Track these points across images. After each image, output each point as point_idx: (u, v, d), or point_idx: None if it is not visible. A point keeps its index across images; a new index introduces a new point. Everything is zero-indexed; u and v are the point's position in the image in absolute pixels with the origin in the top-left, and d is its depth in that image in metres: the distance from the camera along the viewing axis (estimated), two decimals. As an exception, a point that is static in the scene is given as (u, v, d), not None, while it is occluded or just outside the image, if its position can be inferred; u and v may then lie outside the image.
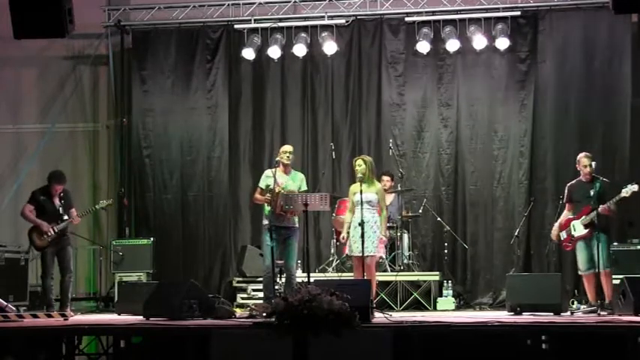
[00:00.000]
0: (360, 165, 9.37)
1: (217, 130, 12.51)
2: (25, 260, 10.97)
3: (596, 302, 9.07)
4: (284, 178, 9.44)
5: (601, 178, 9.30)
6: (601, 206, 9.09)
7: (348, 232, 9.41)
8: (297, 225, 9.50)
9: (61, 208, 9.91)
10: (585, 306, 9.58)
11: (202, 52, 12.55)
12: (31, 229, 9.88)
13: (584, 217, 9.23)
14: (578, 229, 9.27)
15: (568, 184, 9.61)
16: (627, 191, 9.05)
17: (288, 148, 9.72)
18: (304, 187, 9.63)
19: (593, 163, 9.34)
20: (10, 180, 12.89)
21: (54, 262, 9.88)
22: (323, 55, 12.20)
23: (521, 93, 11.90)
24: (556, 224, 9.60)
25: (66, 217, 9.91)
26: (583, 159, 9.37)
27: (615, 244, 10.28)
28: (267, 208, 9.40)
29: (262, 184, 9.57)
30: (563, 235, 9.45)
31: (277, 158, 9.58)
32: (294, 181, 9.53)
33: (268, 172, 9.65)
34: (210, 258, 12.33)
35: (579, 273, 9.43)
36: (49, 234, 9.74)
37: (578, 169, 9.43)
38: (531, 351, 7.16)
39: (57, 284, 9.97)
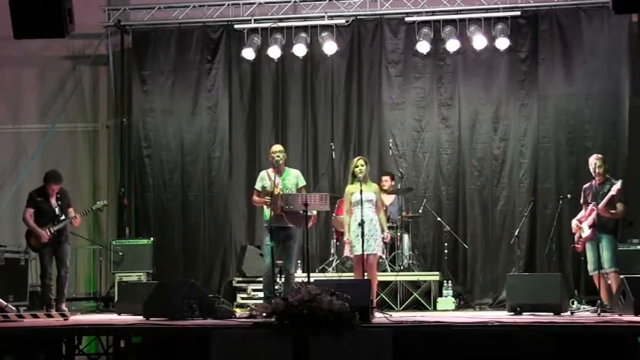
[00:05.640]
0: (363, 165, 9.38)
1: (217, 130, 12.51)
2: (25, 260, 10.97)
3: (598, 303, 9.07)
4: (278, 179, 9.37)
5: (613, 180, 9.32)
6: (598, 206, 9.12)
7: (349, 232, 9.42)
8: (297, 227, 9.46)
9: (57, 209, 9.92)
10: (588, 306, 9.64)
11: (202, 52, 12.55)
12: (28, 231, 9.89)
13: (589, 218, 9.28)
14: (585, 230, 9.34)
15: (583, 186, 9.64)
16: (614, 189, 9.10)
17: (277, 147, 9.62)
18: (302, 183, 9.59)
19: (592, 163, 9.38)
20: (10, 180, 12.89)
21: (52, 261, 9.90)
22: (323, 55, 12.20)
23: (521, 93, 11.91)
24: (574, 220, 9.63)
25: (63, 218, 9.92)
26: (590, 160, 9.45)
27: (617, 244, 10.25)
28: (267, 210, 9.39)
29: (258, 185, 9.56)
30: (576, 236, 9.56)
31: (272, 159, 9.53)
32: (288, 180, 9.48)
33: (263, 173, 9.64)
34: (210, 258, 12.32)
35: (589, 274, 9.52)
36: (46, 240, 9.76)
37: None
38: (531, 351, 7.16)
39: (54, 280, 9.99)
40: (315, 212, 9.42)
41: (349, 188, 9.52)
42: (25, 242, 10.06)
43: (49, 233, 9.77)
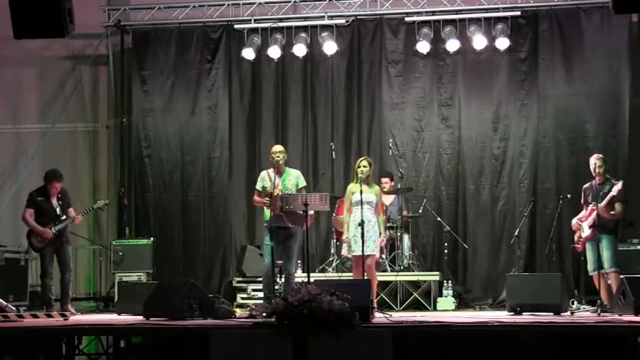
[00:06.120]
0: (366, 166, 9.40)
1: (217, 130, 12.51)
2: (25, 260, 10.96)
3: (598, 303, 9.06)
4: (277, 179, 9.38)
5: (613, 180, 9.32)
6: (598, 207, 9.12)
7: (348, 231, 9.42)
8: (297, 226, 9.46)
9: (58, 209, 9.92)
10: (588, 306, 9.65)
11: (202, 52, 12.55)
12: (29, 231, 9.88)
13: (589, 218, 9.28)
14: (585, 230, 9.34)
15: (583, 187, 9.65)
16: (615, 190, 9.10)
17: (276, 148, 9.66)
18: (302, 183, 9.60)
19: (593, 163, 9.38)
20: (10, 180, 12.89)
21: (53, 261, 9.90)
22: (323, 55, 12.20)
23: (521, 93, 11.91)
24: (575, 219, 9.64)
25: (64, 217, 9.91)
26: (590, 160, 9.47)
27: (617, 244, 10.25)
28: (267, 210, 9.40)
29: (258, 185, 9.59)
30: (576, 236, 9.57)
31: (272, 159, 9.55)
32: (287, 180, 9.48)
33: (263, 173, 9.66)
34: (210, 258, 12.32)
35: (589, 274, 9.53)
36: (49, 237, 9.75)
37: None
38: (531, 351, 7.16)
39: (57, 283, 10.00)
40: (312, 211, 9.41)
41: (351, 187, 9.54)
42: (27, 242, 10.04)
43: (51, 235, 9.77)
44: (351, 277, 9.72)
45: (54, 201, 9.93)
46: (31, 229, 9.86)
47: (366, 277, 9.04)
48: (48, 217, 9.87)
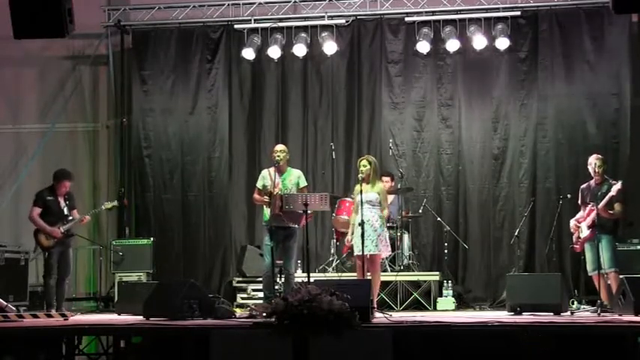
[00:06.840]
0: (365, 166, 9.40)
1: (217, 130, 12.52)
2: (25, 260, 10.97)
3: (598, 303, 9.06)
4: (278, 179, 9.39)
5: (611, 180, 9.32)
6: (597, 207, 9.12)
7: (352, 233, 9.43)
8: (296, 225, 9.47)
9: (65, 209, 9.92)
10: (588, 306, 9.67)
11: (202, 52, 12.56)
12: (37, 230, 9.87)
13: (587, 218, 9.28)
14: (584, 230, 9.34)
15: (581, 187, 9.64)
16: (614, 190, 9.10)
17: (278, 147, 9.68)
18: (303, 183, 9.60)
19: (592, 163, 9.38)
20: (10, 180, 12.89)
21: (57, 261, 9.89)
22: (323, 55, 12.21)
23: (521, 93, 11.92)
24: (572, 220, 9.64)
25: (71, 217, 9.91)
26: (589, 160, 9.47)
27: (615, 244, 10.26)
28: (266, 210, 9.41)
29: (259, 184, 9.61)
30: (575, 237, 9.57)
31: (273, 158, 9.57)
32: (288, 180, 9.49)
33: (264, 172, 9.69)
34: (210, 258, 12.33)
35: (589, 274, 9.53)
36: (58, 236, 9.75)
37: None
38: (531, 351, 7.16)
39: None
40: (310, 210, 9.40)
41: (355, 188, 9.53)
42: (35, 241, 9.99)
43: (60, 235, 9.77)
44: (352, 277, 9.72)
45: (61, 201, 9.93)
46: (39, 228, 9.85)
47: (369, 277, 9.05)
48: (56, 217, 9.86)
